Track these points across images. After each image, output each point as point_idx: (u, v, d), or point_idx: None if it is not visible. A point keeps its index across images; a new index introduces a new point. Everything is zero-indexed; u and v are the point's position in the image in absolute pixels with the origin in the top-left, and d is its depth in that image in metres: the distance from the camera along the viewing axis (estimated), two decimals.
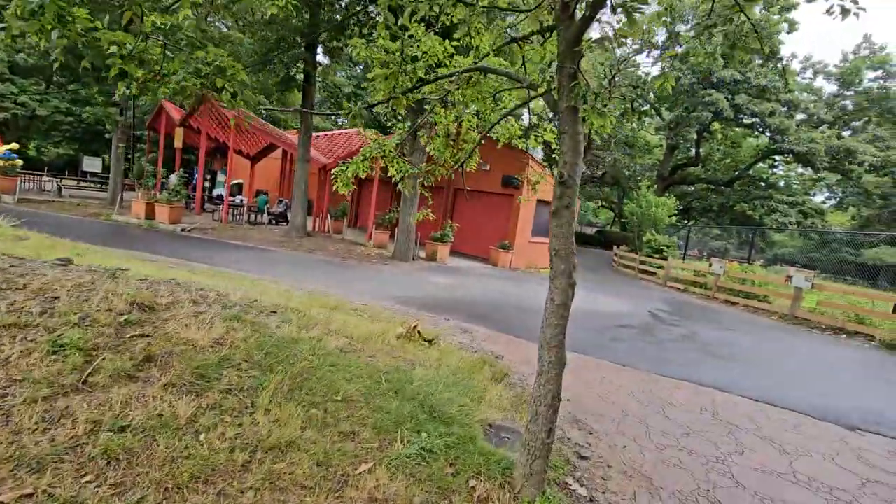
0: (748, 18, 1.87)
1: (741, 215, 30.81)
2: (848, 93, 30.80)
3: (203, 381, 2.48)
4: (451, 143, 4.43)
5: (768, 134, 27.61)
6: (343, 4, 14.77)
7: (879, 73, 29.30)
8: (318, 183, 17.90)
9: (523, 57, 3.16)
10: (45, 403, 2.05)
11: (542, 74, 2.68)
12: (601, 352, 6.44)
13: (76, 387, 2.19)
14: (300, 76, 16.47)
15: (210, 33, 16.37)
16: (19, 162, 16.34)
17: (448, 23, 3.41)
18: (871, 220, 31.72)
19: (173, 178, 16.58)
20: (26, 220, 9.06)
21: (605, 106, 2.09)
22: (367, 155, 4.24)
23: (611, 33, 2.36)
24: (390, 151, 4.31)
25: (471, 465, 2.57)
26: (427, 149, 4.76)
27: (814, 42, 74.29)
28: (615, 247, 23.21)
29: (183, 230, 13.77)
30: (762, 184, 32.15)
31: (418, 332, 5.17)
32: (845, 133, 29.91)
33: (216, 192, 21.77)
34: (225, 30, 18.19)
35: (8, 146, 16.19)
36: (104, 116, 23.12)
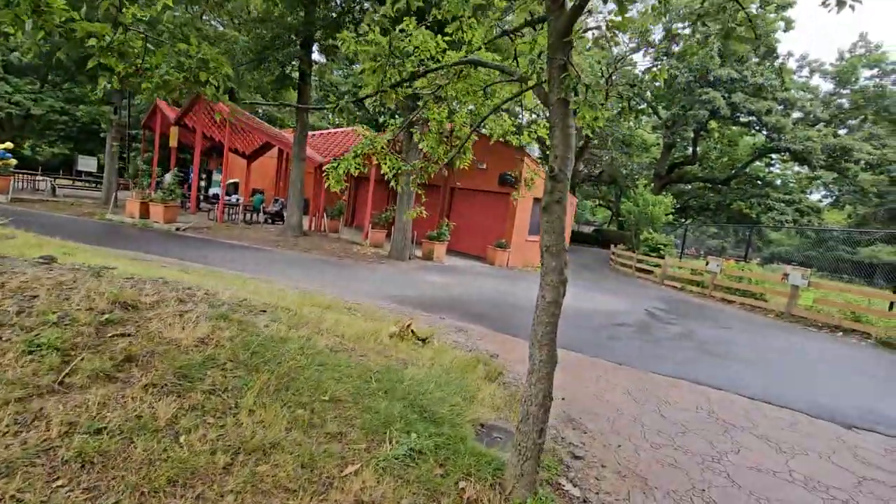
0: (742, 7, 1.83)
1: (738, 214, 30.86)
2: (844, 91, 30.85)
3: (186, 382, 2.42)
4: (445, 139, 4.38)
5: (765, 132, 27.64)
6: (338, 1, 14.69)
7: (875, 71, 29.36)
8: (314, 182, 17.81)
9: (515, 51, 3.10)
10: (18, 405, 1.98)
11: (531, 66, 2.62)
12: (597, 350, 6.39)
13: (52, 388, 2.12)
14: (295, 74, 16.37)
15: (205, 31, 16.29)
16: (13, 161, 16.21)
17: (440, 16, 3.35)
18: (867, 218, 31.80)
19: (168, 178, 16.47)
20: (18, 220, 8.97)
21: (595, 96, 2.03)
22: (359, 151, 4.19)
23: (604, 28, 2.31)
24: (382, 148, 4.26)
25: (461, 466, 2.51)
26: (420, 146, 4.70)
27: (811, 37, 74.41)
28: (612, 245, 23.20)
29: (178, 229, 13.67)
30: (759, 182, 32.19)
31: (412, 330, 5.11)
32: (841, 131, 29.97)
33: (212, 191, 21.67)
34: (221, 28, 18.10)
35: (2, 146, 16.05)
36: (98, 115, 23.00)
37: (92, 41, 2.39)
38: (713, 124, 29.71)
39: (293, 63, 16.07)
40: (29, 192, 18.42)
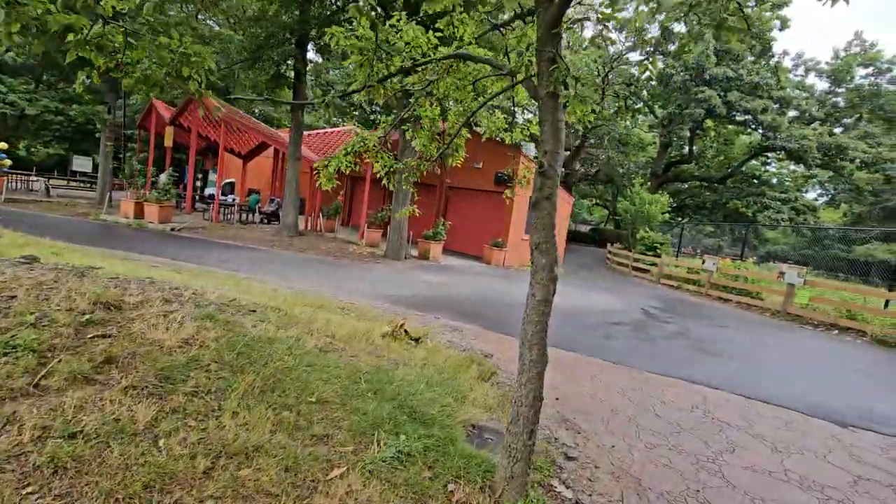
0: None
1: (734, 212, 30.91)
2: (839, 90, 30.94)
3: (167, 384, 2.36)
4: (437, 137, 4.32)
5: (760, 131, 27.68)
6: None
7: (870, 70, 29.45)
8: (310, 181, 17.72)
9: (507, 46, 3.06)
10: None
11: (518, 58, 2.57)
12: (593, 349, 6.35)
13: (26, 391, 2.06)
14: (291, 73, 16.29)
15: (200, 30, 16.18)
16: (8, 162, 16.08)
17: (431, 11, 3.30)
18: (862, 216, 31.90)
19: (163, 178, 16.38)
20: (9, 220, 8.88)
21: (585, 89, 1.99)
22: (350, 149, 4.14)
23: (593, 20, 2.26)
24: (374, 146, 4.21)
25: (450, 469, 2.46)
26: (413, 144, 4.65)
27: (807, 35, 74.68)
28: (609, 244, 23.21)
29: (172, 229, 13.58)
30: (755, 181, 32.25)
31: (405, 330, 5.06)
32: (837, 130, 30.07)
33: (208, 191, 21.56)
34: (217, 28, 18.00)
35: None
36: (93, 115, 22.82)
37: (69, 35, 2.33)
38: (709, 123, 29.75)
39: (288, 62, 15.99)
40: (23, 193, 18.28)
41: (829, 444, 4.09)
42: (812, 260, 25.45)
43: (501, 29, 2.78)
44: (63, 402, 2.05)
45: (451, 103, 4.09)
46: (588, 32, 27.63)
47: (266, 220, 18.11)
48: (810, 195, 35.64)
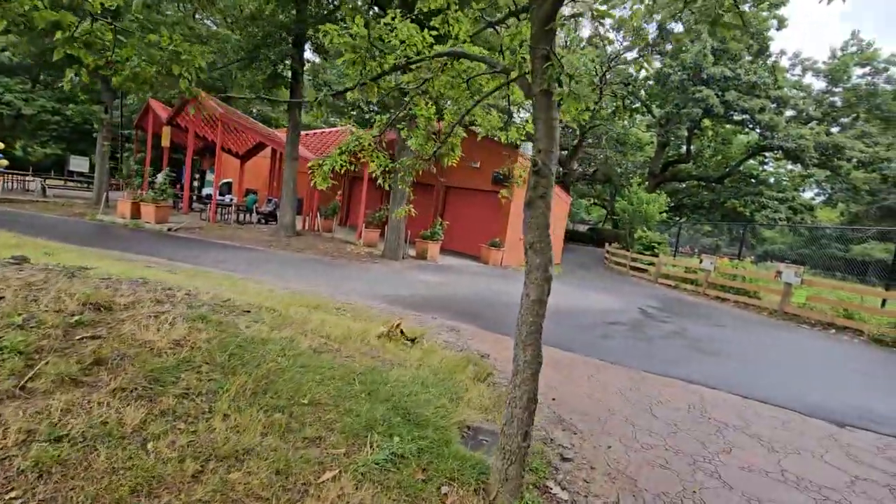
0: None
1: (732, 212, 30.96)
2: (836, 89, 31.00)
3: (157, 386, 2.33)
4: (433, 136, 4.30)
5: (758, 130, 27.73)
6: None
7: (867, 69, 29.52)
8: (307, 181, 17.69)
9: (501, 45, 3.03)
10: None
11: (512, 55, 2.55)
12: (590, 349, 6.34)
13: (12, 393, 2.03)
14: (288, 73, 16.25)
15: (197, 30, 16.12)
16: (4, 162, 16.02)
17: (426, 9, 3.27)
18: (859, 215, 31.97)
19: (160, 178, 16.32)
20: (3, 220, 8.82)
21: (579, 86, 1.96)
22: (345, 148, 4.11)
23: (588, 17, 2.24)
24: (369, 145, 4.18)
25: (444, 471, 2.44)
26: (409, 143, 4.63)
27: (804, 34, 74.83)
28: (607, 244, 23.21)
29: (169, 230, 13.53)
30: (752, 180, 32.30)
31: (401, 330, 5.03)
32: (834, 129, 30.13)
33: (205, 191, 21.50)
34: (214, 28, 17.95)
35: None
36: (90, 115, 22.74)
37: (57, 33, 2.29)
38: (707, 122, 29.79)
39: (286, 62, 15.95)
40: (19, 193, 18.20)
41: (825, 443, 4.08)
42: (809, 259, 25.50)
43: (496, 27, 2.76)
44: (49, 405, 2.02)
45: (448, 103, 4.07)
46: (585, 32, 27.61)
47: (263, 221, 18.06)
48: (807, 194, 35.75)
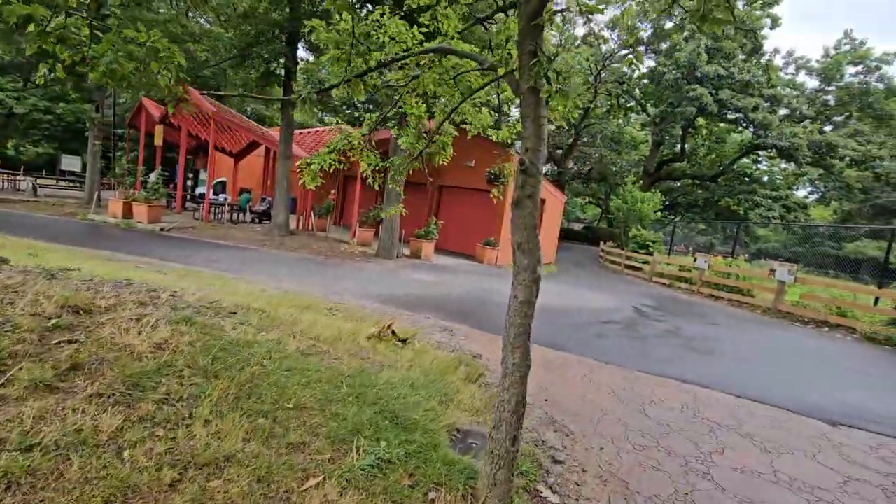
0: None
1: (726, 210, 31.09)
2: (829, 88, 31.17)
3: (136, 391, 2.27)
4: (424, 135, 4.25)
5: (752, 129, 27.83)
6: None
7: (860, 68, 29.69)
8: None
9: (490, 40, 2.98)
10: None
11: (498, 51, 2.50)
12: (584, 348, 6.31)
13: None
14: (281, 72, 16.13)
15: (190, 28, 15.99)
16: None
17: (414, 5, 3.21)
18: (852, 213, 32.19)
19: (153, 177, 16.17)
20: None
21: (567, 83, 1.92)
22: (333, 147, 4.05)
23: (575, 12, 2.19)
24: (359, 144, 4.12)
25: (431, 476, 2.39)
26: (399, 142, 4.57)
27: (797, 32, 75.19)
28: (602, 243, 23.23)
29: (162, 229, 13.41)
30: (746, 179, 32.45)
31: (392, 331, 4.98)
32: (827, 128, 30.30)
33: (199, 190, 21.34)
34: (208, 26, 17.81)
35: None
36: (82, 114, 22.49)
37: (30, 26, 2.22)
38: (701, 121, 29.86)
39: (279, 60, 15.84)
40: (9, 193, 18.01)
41: (818, 443, 4.07)
42: (803, 257, 25.63)
43: (485, 23, 2.71)
44: (22, 413, 1.95)
45: (442, 100, 4.01)
46: (580, 30, 27.61)
47: (257, 220, 17.96)
48: (801, 193, 35.95)
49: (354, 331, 4.66)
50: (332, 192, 18.91)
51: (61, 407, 2.05)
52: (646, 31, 28.31)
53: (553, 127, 28.51)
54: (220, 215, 17.02)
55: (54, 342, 2.42)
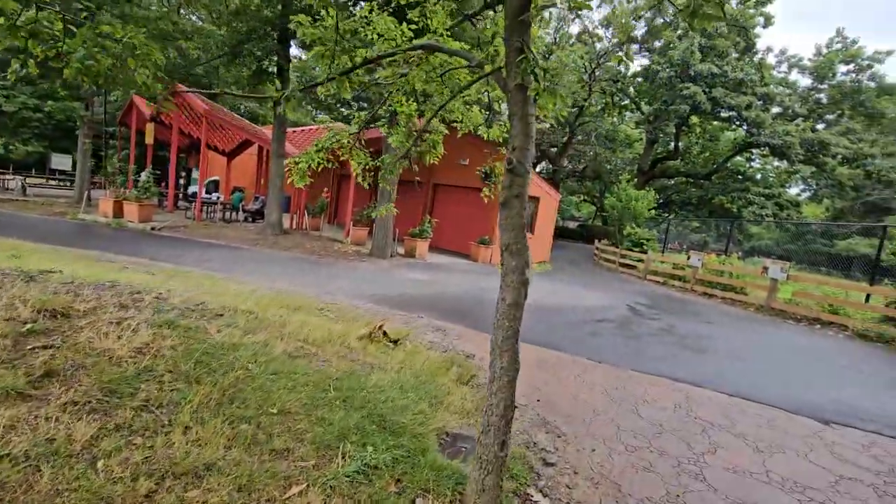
0: None
1: (719, 208, 31.22)
2: (822, 86, 31.34)
3: (114, 398, 2.20)
4: (414, 134, 4.19)
5: (745, 127, 27.95)
6: None
7: (852, 66, 29.87)
8: None
9: (479, 37, 2.93)
10: None
11: (483, 48, 2.45)
12: (578, 347, 6.29)
13: None
14: (273, 69, 15.99)
15: (182, 25, 15.82)
16: None
17: (403, 1, 3.15)
18: (844, 211, 32.46)
19: (144, 175, 16.01)
20: None
21: (554, 80, 1.87)
22: (321, 145, 3.98)
23: (564, 9, 2.14)
24: (348, 142, 4.06)
25: (419, 482, 2.34)
26: (390, 141, 4.51)
27: (789, 26, 75.60)
28: (597, 241, 23.26)
29: (153, 229, 13.28)
30: (739, 177, 32.60)
31: (383, 332, 4.92)
32: (819, 126, 30.46)
33: (191, 189, 21.15)
34: (200, 23, 17.64)
35: None
36: (72, 111, 22.23)
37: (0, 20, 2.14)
38: (694, 119, 29.96)
39: (271, 58, 15.70)
40: None
41: (810, 442, 4.06)
42: (795, 255, 25.81)
43: (473, 19, 2.66)
44: None
45: (434, 97, 3.96)
46: (574, 28, 27.57)
47: (250, 219, 17.82)
48: (793, 190, 36.18)
49: (345, 332, 4.60)
50: (326, 190, 18.79)
51: (34, 415, 1.98)
52: (639, 30, 28.33)
53: (547, 125, 28.50)
54: (212, 214, 16.87)
55: (29, 348, 2.35)
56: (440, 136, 4.18)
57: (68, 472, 1.76)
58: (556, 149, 31.64)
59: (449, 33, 3.25)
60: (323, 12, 2.82)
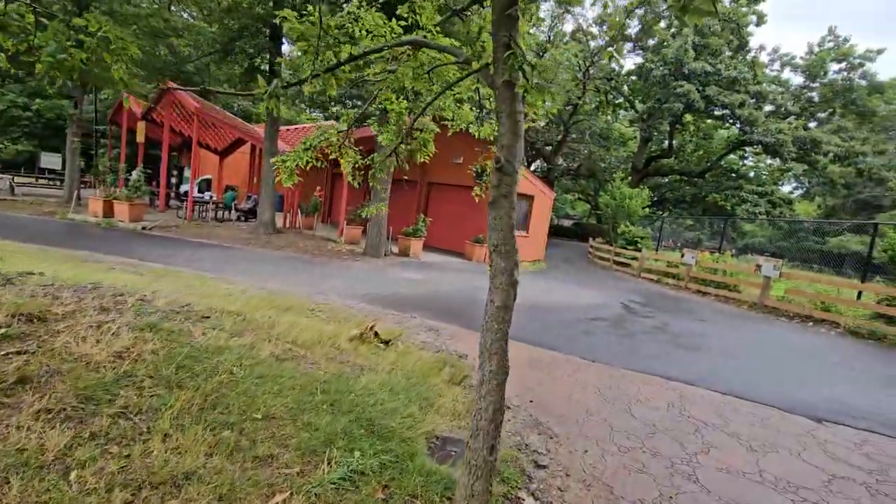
0: None
1: (713, 206, 31.37)
2: (814, 84, 31.52)
3: (90, 405, 2.13)
4: (404, 132, 4.12)
5: (738, 125, 28.08)
6: None
7: (843, 65, 30.05)
8: None
9: (469, 32, 2.87)
10: None
11: (473, 45, 2.40)
12: (571, 346, 6.26)
13: None
14: (266, 67, 15.84)
15: (173, 22, 15.65)
16: None
17: None
18: (835, 208, 32.74)
19: (134, 174, 15.83)
20: None
21: (543, 76, 1.82)
22: (309, 144, 3.90)
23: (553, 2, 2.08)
24: (337, 140, 3.98)
25: (407, 488, 2.29)
26: (380, 139, 4.45)
27: (780, 25, 76.08)
28: (591, 239, 23.28)
29: (144, 228, 13.13)
30: (733, 174, 32.77)
31: (375, 332, 4.87)
32: (811, 124, 30.66)
33: (183, 188, 20.96)
34: (191, 20, 17.46)
35: None
36: (62, 110, 21.93)
37: None
38: (688, 117, 30.06)
39: (263, 55, 15.56)
40: None
41: (803, 440, 4.05)
42: (788, 252, 25.98)
43: (462, 15, 2.60)
44: None
45: (424, 95, 3.89)
46: (568, 27, 27.57)
47: (243, 218, 17.67)
48: (786, 188, 36.46)
49: (335, 333, 4.54)
50: (320, 189, 18.67)
51: (4, 424, 1.91)
52: (633, 28, 28.34)
53: (542, 124, 28.46)
54: (204, 213, 16.71)
55: (1, 353, 2.27)
56: (431, 135, 4.12)
57: (38, 484, 1.69)
58: (550, 147, 31.65)
59: (439, 30, 3.19)
60: (310, 7, 2.75)
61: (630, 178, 29.21)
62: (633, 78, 30.35)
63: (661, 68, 26.23)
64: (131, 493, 1.80)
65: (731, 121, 28.53)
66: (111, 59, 2.23)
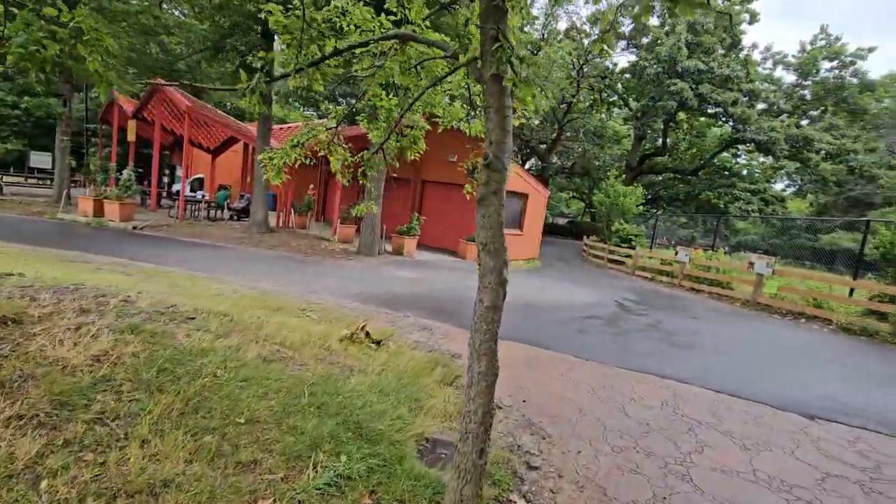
0: None
1: (706, 203, 31.52)
2: (806, 83, 31.73)
3: (64, 410, 2.06)
4: (393, 128, 4.06)
5: (731, 123, 28.21)
6: None
7: (835, 63, 30.25)
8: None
9: (458, 25, 2.81)
10: None
11: (459, 41, 2.34)
12: (565, 345, 6.22)
13: None
14: (258, 65, 15.68)
15: (164, 20, 15.46)
16: None
17: None
18: (827, 206, 32.97)
19: (125, 174, 15.64)
20: None
21: (531, 69, 1.76)
22: (297, 141, 3.83)
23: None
24: (326, 137, 3.91)
25: (395, 492, 2.23)
26: (369, 136, 4.38)
27: (773, 23, 76.57)
28: (585, 237, 23.30)
29: (135, 228, 12.99)
30: (726, 172, 32.95)
31: (366, 332, 4.80)
32: (803, 122, 30.85)
33: (175, 187, 20.76)
34: (182, 18, 17.27)
35: None
36: (51, 108, 21.63)
37: None
38: (682, 115, 30.16)
39: (254, 53, 15.41)
40: None
41: (797, 438, 4.03)
42: (780, 249, 26.14)
43: (450, 8, 2.54)
44: None
45: (413, 91, 3.83)
46: (562, 25, 27.52)
47: (236, 217, 17.53)
48: (778, 186, 36.69)
49: (326, 333, 4.47)
50: (313, 187, 18.54)
51: None
52: (626, 27, 28.36)
53: (536, 122, 28.43)
54: (196, 213, 16.55)
55: None
56: (422, 132, 4.06)
57: (6, 495, 1.62)
58: (545, 145, 31.65)
59: (428, 24, 3.13)
60: (296, 1, 2.68)
61: (624, 176, 29.25)
62: (627, 76, 30.40)
63: (654, 66, 26.28)
64: (105, 502, 1.73)
65: (724, 119, 28.66)
66: (85, 52, 2.15)
